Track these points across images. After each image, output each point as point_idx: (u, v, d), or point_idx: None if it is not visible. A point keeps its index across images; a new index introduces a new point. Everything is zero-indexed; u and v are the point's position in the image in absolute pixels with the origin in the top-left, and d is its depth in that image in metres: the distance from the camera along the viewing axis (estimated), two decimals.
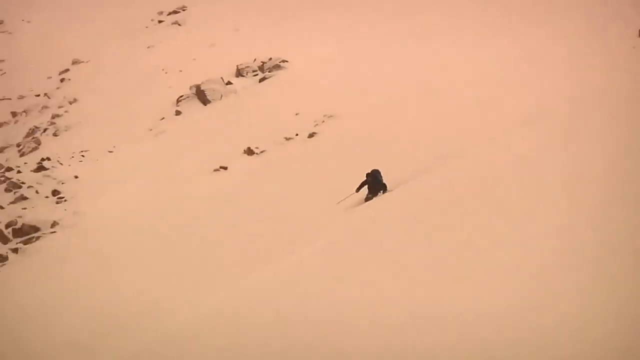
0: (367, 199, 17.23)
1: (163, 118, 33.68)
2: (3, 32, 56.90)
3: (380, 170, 17.42)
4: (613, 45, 21.10)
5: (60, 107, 40.47)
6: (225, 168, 24.48)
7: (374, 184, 17.29)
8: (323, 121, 25.80)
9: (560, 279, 7.11)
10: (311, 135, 25.01)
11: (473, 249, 9.02)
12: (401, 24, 33.97)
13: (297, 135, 25.50)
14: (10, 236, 23.37)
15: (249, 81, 34.31)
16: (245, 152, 25.32)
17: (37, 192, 26.74)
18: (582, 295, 6.63)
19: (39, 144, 35.07)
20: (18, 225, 23.71)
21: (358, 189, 17.43)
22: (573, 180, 10.29)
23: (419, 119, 21.99)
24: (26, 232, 23.47)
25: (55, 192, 26.73)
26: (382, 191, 17.18)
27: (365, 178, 17.43)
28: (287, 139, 25.51)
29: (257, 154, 25.17)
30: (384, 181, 17.19)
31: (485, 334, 6.54)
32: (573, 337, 5.97)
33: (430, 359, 6.52)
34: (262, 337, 8.78)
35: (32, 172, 28.82)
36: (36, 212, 24.81)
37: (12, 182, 27.62)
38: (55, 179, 28.01)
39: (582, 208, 8.89)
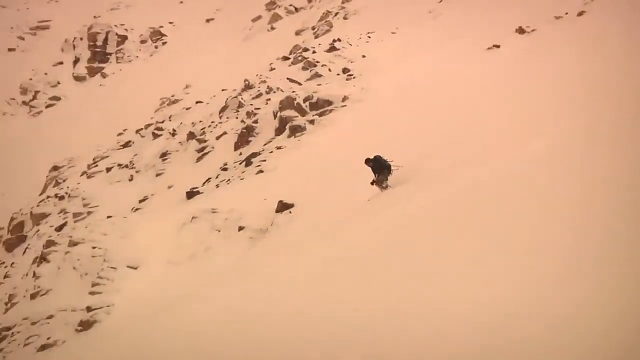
0: (380, 181, 15.30)
1: (441, 1, 33.06)
2: None
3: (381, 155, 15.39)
4: None
5: None
6: (498, 46, 23.65)
7: (380, 168, 15.25)
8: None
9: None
10: (580, 14, 22.79)
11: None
12: None
13: (566, 14, 23.37)
14: (307, 109, 25.15)
15: None
16: (516, 30, 24.09)
17: (329, 70, 28.18)
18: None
19: (331, 27, 36.72)
20: (314, 100, 25.34)
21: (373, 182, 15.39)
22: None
23: None
24: (320, 106, 25.01)
25: (345, 70, 27.86)
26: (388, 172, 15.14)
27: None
28: (557, 17, 23.55)
29: (527, 32, 23.74)
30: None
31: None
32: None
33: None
34: None
35: (325, 52, 30.37)
36: (329, 88, 26.23)
37: (308, 61, 29.48)
38: (345, 58, 29.18)
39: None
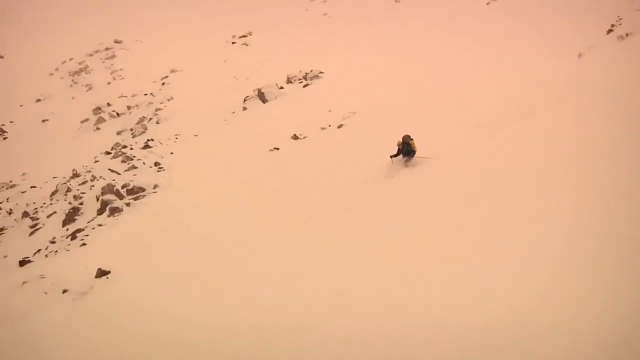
0: (407, 161, 17.59)
1: (234, 112, 37.13)
2: (122, 49, 64.66)
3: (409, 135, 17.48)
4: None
5: (161, 103, 45.15)
6: (278, 149, 27.62)
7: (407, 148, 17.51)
8: (348, 116, 28.46)
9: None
10: (340, 126, 27.69)
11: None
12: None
13: (329, 126, 28.30)
14: (124, 194, 27.68)
15: (295, 86, 37.55)
16: (292, 137, 28.40)
17: (143, 163, 31.15)
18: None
19: (146, 129, 39.93)
20: (130, 187, 28.07)
21: (394, 156, 17.74)
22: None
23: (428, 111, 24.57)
24: (136, 192, 27.75)
25: (156, 164, 31.12)
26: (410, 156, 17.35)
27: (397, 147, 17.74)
28: (322, 128, 28.34)
29: (300, 139, 28.18)
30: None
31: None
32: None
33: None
34: None
35: (141, 149, 33.53)
36: (143, 177, 29.05)
37: (126, 156, 32.16)
38: (156, 154, 32.52)
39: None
